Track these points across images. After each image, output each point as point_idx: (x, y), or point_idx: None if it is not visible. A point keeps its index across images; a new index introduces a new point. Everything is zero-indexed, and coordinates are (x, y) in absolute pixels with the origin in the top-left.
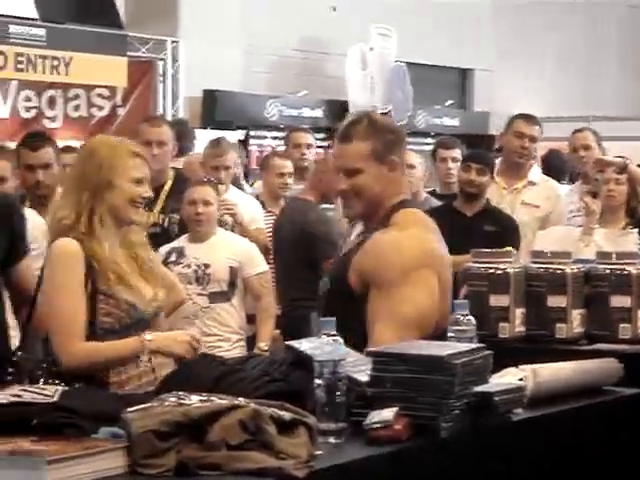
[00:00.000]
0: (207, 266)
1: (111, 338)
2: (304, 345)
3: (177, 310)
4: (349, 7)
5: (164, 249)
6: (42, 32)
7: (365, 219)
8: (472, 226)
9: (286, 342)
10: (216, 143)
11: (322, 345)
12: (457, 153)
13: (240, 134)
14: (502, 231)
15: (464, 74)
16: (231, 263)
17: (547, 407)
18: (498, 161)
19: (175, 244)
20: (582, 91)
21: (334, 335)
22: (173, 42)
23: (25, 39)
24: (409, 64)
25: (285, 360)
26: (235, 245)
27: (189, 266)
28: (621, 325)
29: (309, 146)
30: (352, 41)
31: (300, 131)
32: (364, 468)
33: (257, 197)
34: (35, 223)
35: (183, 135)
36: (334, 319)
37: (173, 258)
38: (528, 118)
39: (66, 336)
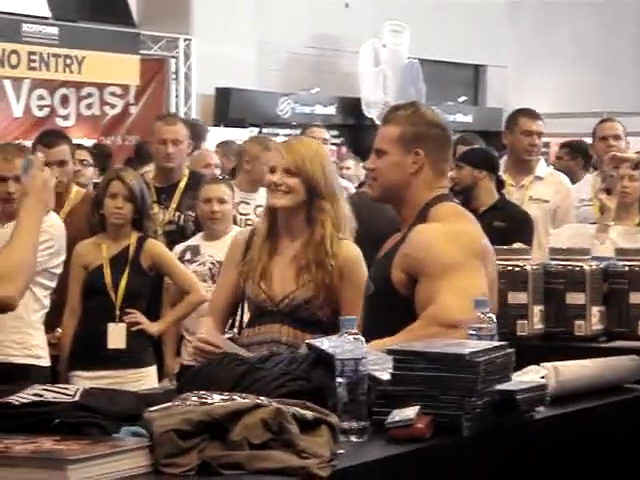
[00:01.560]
0: (221, 264)
1: None
2: (325, 343)
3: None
4: (362, 3)
5: (180, 247)
6: (55, 31)
7: (387, 203)
8: (481, 223)
9: (307, 341)
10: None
11: (343, 343)
12: None
13: (253, 131)
14: (511, 227)
15: (477, 70)
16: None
17: (569, 405)
18: (504, 158)
19: (190, 242)
20: (596, 87)
21: (355, 333)
22: (185, 40)
23: (38, 38)
24: (422, 60)
25: (306, 358)
26: None
27: (204, 264)
28: None
29: (324, 141)
30: (365, 38)
31: (315, 127)
32: (387, 467)
33: None
34: (52, 221)
35: (198, 136)
36: (355, 317)
37: (188, 256)
38: (532, 114)
39: None
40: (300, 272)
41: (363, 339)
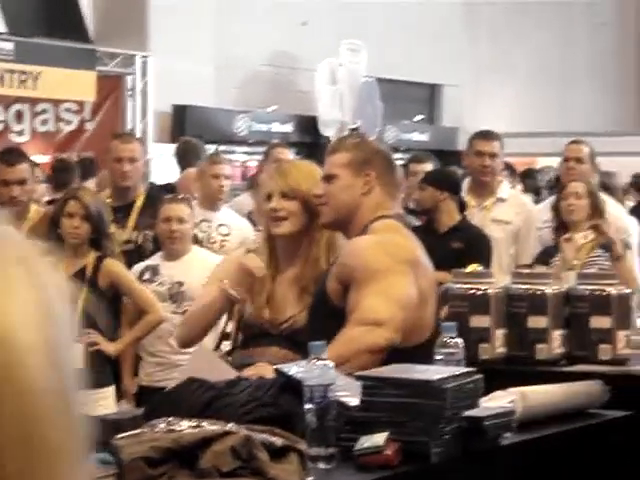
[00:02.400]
0: (181, 284)
1: None
2: (293, 369)
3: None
4: (319, 22)
5: (139, 267)
6: (10, 46)
7: (335, 228)
8: (440, 244)
9: (275, 366)
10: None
11: (311, 369)
12: (428, 167)
13: (210, 149)
14: (469, 248)
15: (433, 89)
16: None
17: (536, 431)
18: (467, 180)
19: (150, 262)
20: (552, 106)
21: (324, 359)
22: (142, 57)
23: None
24: (379, 79)
25: (274, 384)
26: (210, 263)
27: (163, 284)
28: (601, 346)
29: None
30: (322, 56)
31: (281, 147)
32: None
33: (249, 214)
34: None
35: (187, 153)
36: (324, 343)
37: (147, 276)
38: (486, 135)
39: None
40: (302, 293)
41: (332, 364)
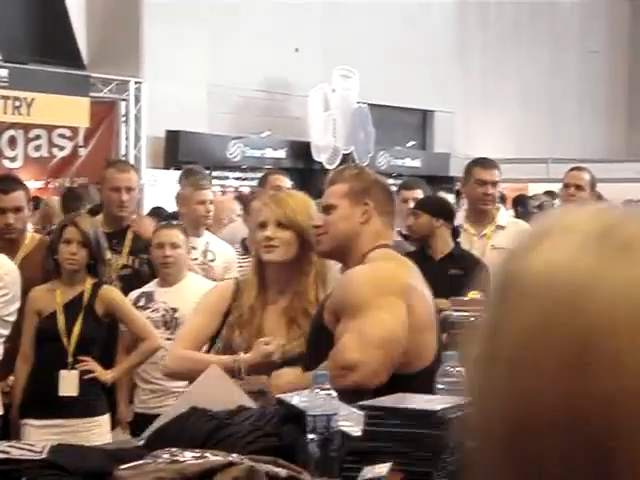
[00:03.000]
0: (175, 310)
1: None
2: (296, 399)
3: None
4: (312, 49)
5: (134, 294)
6: (4, 72)
7: (333, 257)
8: (438, 270)
9: (277, 395)
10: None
11: (314, 399)
12: (418, 194)
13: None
14: (467, 274)
15: (425, 115)
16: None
17: None
18: (463, 208)
19: (145, 288)
20: (542, 134)
21: (327, 389)
22: (136, 83)
23: None
24: (371, 105)
25: (276, 414)
26: (205, 289)
27: (157, 310)
28: None
29: (288, 189)
30: (314, 82)
31: (278, 173)
32: None
33: (243, 241)
34: (6, 268)
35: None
36: (327, 373)
37: (142, 303)
38: (486, 164)
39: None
40: (291, 324)
41: (335, 394)
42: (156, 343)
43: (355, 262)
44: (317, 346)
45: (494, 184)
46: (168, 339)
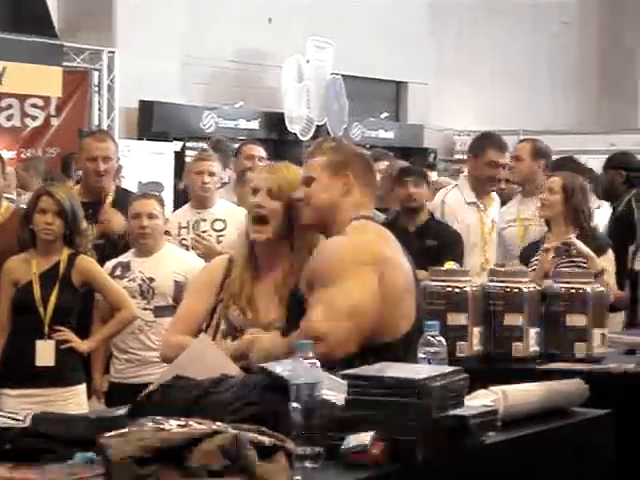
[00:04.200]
0: (152, 280)
1: None
2: (279, 368)
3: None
4: (285, 19)
5: (110, 263)
6: None
7: (315, 229)
8: (413, 242)
9: (260, 364)
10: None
11: (297, 368)
12: (384, 165)
13: (177, 145)
14: (442, 245)
15: (399, 87)
16: (176, 277)
17: (518, 429)
18: (466, 182)
19: (122, 258)
20: (515, 105)
21: (311, 358)
22: (109, 52)
23: None
24: (345, 76)
25: (259, 382)
26: (182, 259)
27: (134, 280)
28: (577, 344)
29: (261, 159)
30: (288, 53)
31: (252, 143)
32: None
33: None
34: None
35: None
36: (311, 342)
37: (118, 272)
38: (501, 145)
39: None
40: (283, 301)
41: (318, 363)
42: (132, 313)
43: (336, 233)
44: (294, 314)
45: (505, 166)
46: (145, 309)
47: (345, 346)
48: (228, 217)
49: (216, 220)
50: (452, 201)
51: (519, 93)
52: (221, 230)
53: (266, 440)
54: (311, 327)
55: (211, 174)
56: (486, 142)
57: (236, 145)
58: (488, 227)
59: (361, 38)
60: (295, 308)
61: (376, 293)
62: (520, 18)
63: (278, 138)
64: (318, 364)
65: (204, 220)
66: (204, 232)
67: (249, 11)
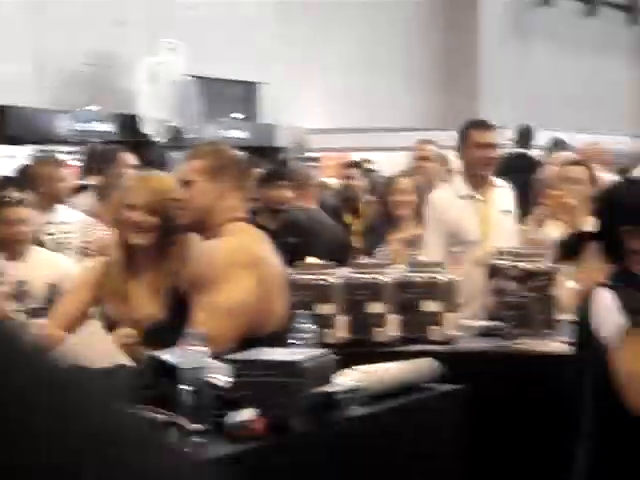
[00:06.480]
0: (24, 283)
1: None
2: (168, 355)
3: None
4: (137, 21)
5: None
6: None
7: (193, 230)
8: (275, 240)
9: (148, 352)
10: None
11: (184, 354)
12: None
13: (31, 149)
14: (302, 242)
15: (251, 87)
16: (49, 279)
17: (380, 403)
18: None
19: None
20: (365, 102)
21: (198, 345)
22: None
23: None
24: (197, 77)
25: (149, 370)
26: (53, 262)
27: (6, 284)
28: (431, 327)
29: (135, 167)
30: (140, 55)
31: (122, 151)
32: (227, 463)
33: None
34: None
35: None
36: (196, 331)
37: None
38: (483, 126)
39: None
40: (159, 298)
41: (205, 349)
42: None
43: (212, 235)
44: (174, 310)
45: (494, 146)
46: (19, 311)
47: (227, 344)
48: (71, 220)
49: (61, 223)
50: (437, 199)
51: (368, 90)
52: (67, 233)
53: (159, 417)
54: (200, 329)
55: (61, 180)
56: (469, 125)
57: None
58: (493, 218)
59: (211, 39)
60: (175, 304)
61: (253, 292)
62: (364, 17)
63: (132, 140)
64: (205, 351)
65: (50, 223)
66: (50, 235)
67: (100, 13)
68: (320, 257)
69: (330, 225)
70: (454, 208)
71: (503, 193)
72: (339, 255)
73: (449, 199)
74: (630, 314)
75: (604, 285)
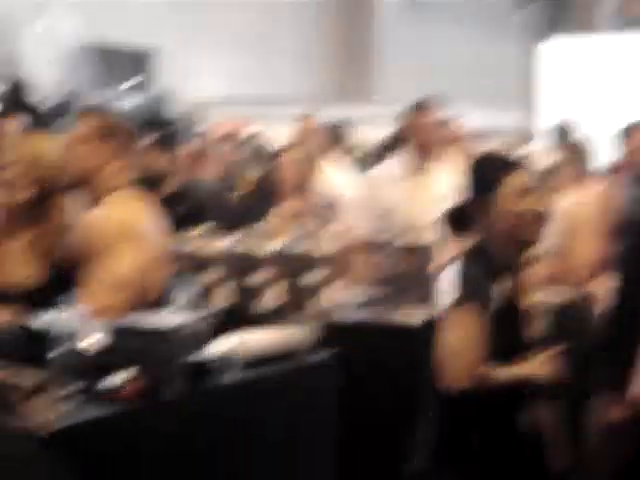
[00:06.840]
0: None
1: None
2: (39, 320)
3: None
4: None
5: None
6: None
7: (76, 191)
8: (162, 209)
9: (20, 318)
10: None
11: (57, 318)
12: None
13: None
14: (190, 212)
15: (144, 56)
16: None
17: (254, 370)
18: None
19: None
20: (259, 72)
21: (74, 309)
22: None
23: None
24: (88, 45)
25: (20, 335)
26: None
27: None
28: (309, 300)
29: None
30: (29, 19)
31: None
32: (99, 426)
33: None
34: None
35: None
36: (71, 295)
37: None
38: (423, 107)
39: None
40: (37, 262)
41: (82, 314)
42: None
43: (96, 200)
44: (50, 275)
45: (444, 124)
46: None
47: (121, 315)
48: None
49: None
50: (371, 181)
51: (261, 59)
52: None
53: (30, 382)
54: (91, 304)
55: None
56: (412, 108)
57: None
58: (434, 199)
59: (103, 6)
60: (52, 269)
61: (139, 264)
62: None
63: (19, 104)
64: (78, 316)
65: None
66: None
67: None
68: (207, 227)
69: (218, 196)
70: (388, 191)
71: (450, 170)
72: (226, 225)
73: (383, 182)
74: (463, 288)
75: (456, 258)
